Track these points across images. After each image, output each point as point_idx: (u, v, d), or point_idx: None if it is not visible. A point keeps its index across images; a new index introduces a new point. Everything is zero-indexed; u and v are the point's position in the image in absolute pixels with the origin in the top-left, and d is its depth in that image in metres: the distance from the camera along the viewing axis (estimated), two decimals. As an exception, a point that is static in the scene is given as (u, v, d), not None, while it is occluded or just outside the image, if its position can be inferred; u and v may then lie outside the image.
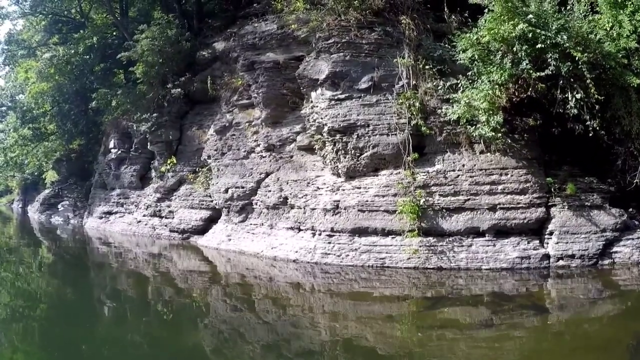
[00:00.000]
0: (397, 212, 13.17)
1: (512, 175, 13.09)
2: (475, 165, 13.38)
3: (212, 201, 19.45)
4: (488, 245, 12.74)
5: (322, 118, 14.71)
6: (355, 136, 14.16)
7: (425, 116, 13.82)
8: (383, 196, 13.64)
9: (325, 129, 14.61)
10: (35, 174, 43.82)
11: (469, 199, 13.11)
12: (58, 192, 33.31)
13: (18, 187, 53.38)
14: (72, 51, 27.88)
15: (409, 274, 12.42)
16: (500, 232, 12.90)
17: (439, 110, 13.76)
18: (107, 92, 27.00)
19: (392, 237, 13.24)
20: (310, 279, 13.22)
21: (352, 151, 14.19)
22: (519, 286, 11.59)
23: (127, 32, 27.07)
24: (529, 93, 12.32)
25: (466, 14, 14.61)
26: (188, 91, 22.17)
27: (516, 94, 12.54)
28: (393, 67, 14.41)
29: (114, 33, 30.83)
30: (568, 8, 12.77)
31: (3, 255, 19.97)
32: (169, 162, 21.08)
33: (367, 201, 13.73)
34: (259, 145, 17.45)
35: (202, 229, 19.50)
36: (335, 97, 14.51)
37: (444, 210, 13.11)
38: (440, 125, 13.71)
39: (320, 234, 14.18)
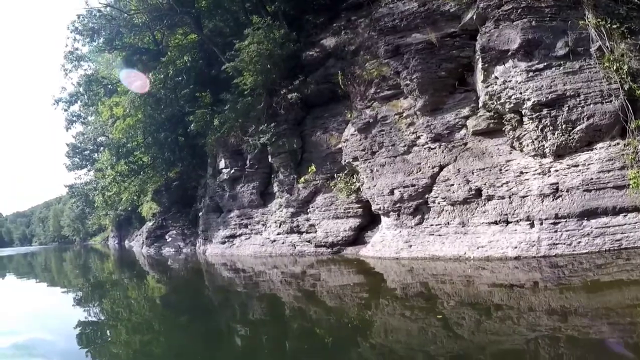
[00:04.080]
0: (628, 186, 10.94)
1: None
2: (695, 126, 10.91)
3: (359, 208, 17.06)
4: None
5: (520, 93, 12.30)
6: (567, 108, 11.79)
7: (633, 79, 11.46)
8: (608, 171, 11.34)
9: (528, 104, 12.19)
10: (129, 209, 42.87)
11: (694, 164, 10.66)
12: (162, 223, 31.63)
13: (111, 225, 53.03)
14: (162, 76, 25.95)
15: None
16: None
17: (645, 71, 11.48)
18: (205, 113, 25.15)
19: (624, 215, 11.08)
20: (534, 275, 10.60)
21: (563, 125, 11.83)
22: None
23: (217, 46, 25.17)
24: None
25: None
26: (302, 95, 19.85)
27: None
28: (581, 30, 12.03)
29: (193, 54, 29.02)
30: None
31: (123, 292, 16.84)
32: (309, 170, 18.66)
33: (591, 179, 11.44)
34: (419, 137, 14.93)
35: (354, 239, 17.14)
36: (533, 68, 12.16)
37: (672, 179, 10.84)
38: None
39: (541, 223, 11.75)
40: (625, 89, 11.36)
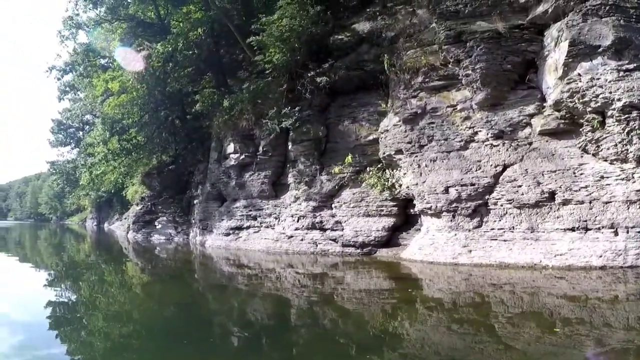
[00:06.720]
0: None
1: None
2: None
3: (394, 206, 15.08)
4: None
5: (610, 92, 10.79)
6: (657, 113, 10.44)
7: None
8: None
9: (618, 104, 10.70)
10: (111, 191, 39.85)
11: None
12: (151, 208, 28.91)
13: (91, 206, 49.63)
14: (170, 48, 23.13)
15: None
16: None
17: None
18: (212, 92, 22.77)
19: None
20: (617, 287, 9.43)
21: (653, 131, 10.49)
22: None
23: (232, 23, 22.73)
24: None
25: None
26: (330, 80, 17.65)
27: None
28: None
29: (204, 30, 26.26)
30: None
31: (100, 276, 14.23)
32: (345, 160, 16.40)
33: (681, 190, 10.24)
34: (477, 132, 13.17)
35: (387, 241, 15.14)
36: (624, 68, 10.70)
37: None
38: None
39: (627, 232, 10.60)
40: None
